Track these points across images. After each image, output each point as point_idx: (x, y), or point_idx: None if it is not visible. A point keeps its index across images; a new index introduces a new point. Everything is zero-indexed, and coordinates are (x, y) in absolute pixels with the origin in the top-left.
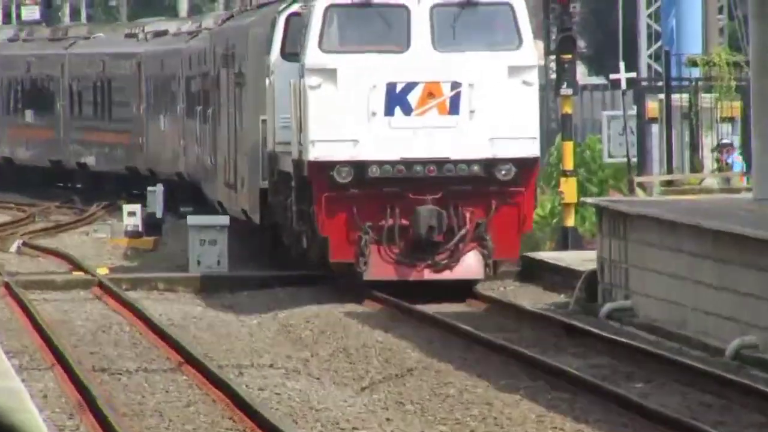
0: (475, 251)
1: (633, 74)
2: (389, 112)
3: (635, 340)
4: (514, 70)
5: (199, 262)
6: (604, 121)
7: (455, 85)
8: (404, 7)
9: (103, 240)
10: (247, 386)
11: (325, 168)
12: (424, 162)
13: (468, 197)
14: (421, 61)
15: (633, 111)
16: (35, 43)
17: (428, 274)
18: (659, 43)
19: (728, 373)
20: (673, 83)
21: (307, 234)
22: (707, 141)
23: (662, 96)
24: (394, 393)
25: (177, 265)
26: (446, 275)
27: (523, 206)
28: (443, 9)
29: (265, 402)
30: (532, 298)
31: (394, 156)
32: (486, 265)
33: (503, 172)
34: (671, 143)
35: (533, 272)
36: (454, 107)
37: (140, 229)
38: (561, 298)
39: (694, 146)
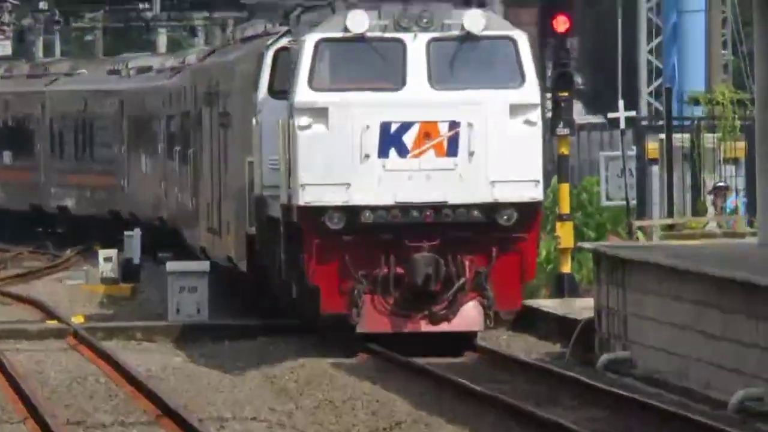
0: (475, 302)
1: (633, 113)
2: (384, 153)
3: (634, 392)
4: (516, 109)
5: (178, 310)
6: (602, 162)
7: (453, 124)
8: (400, 41)
9: (79, 287)
10: None
11: (315, 213)
12: (421, 207)
13: (467, 244)
14: (417, 99)
15: (632, 151)
16: (14, 79)
17: (425, 326)
18: (660, 80)
19: (732, 427)
20: (675, 122)
21: (297, 283)
22: (710, 183)
23: (663, 136)
24: None
25: (155, 314)
26: (444, 327)
27: (526, 254)
28: (441, 43)
29: None
30: (526, 347)
31: (388, 200)
32: (486, 317)
33: (505, 218)
34: (672, 185)
35: (528, 321)
36: (452, 148)
37: (117, 275)
38: (557, 348)
39: (697, 188)
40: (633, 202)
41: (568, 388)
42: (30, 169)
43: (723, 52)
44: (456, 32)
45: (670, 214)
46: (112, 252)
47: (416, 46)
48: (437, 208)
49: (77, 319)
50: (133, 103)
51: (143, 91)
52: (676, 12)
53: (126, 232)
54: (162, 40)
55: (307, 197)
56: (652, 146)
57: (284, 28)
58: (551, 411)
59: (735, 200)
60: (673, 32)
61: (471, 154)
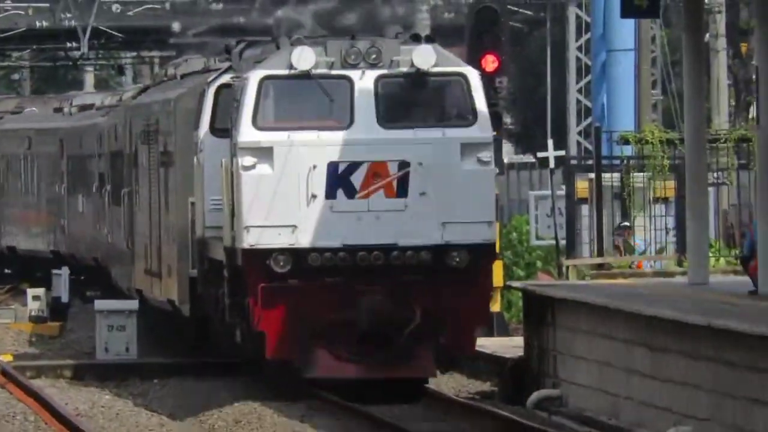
0: (427, 347)
1: (562, 152)
2: (331, 194)
3: (564, 430)
4: (467, 148)
5: (106, 349)
6: (531, 202)
7: (403, 164)
8: (347, 78)
9: (7, 325)
10: None
11: (260, 256)
12: (369, 249)
13: (418, 287)
14: (365, 138)
15: (562, 191)
16: None
17: (375, 373)
18: (589, 120)
19: None
20: (604, 162)
21: (242, 328)
22: (639, 222)
23: (593, 175)
24: None
25: (84, 352)
26: (394, 374)
27: (479, 297)
28: (390, 81)
29: None
30: (455, 386)
31: (336, 242)
32: (439, 362)
33: (456, 260)
34: (602, 224)
35: (457, 359)
36: (402, 189)
37: (45, 314)
38: (486, 386)
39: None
40: (562, 242)
41: (499, 427)
42: None
43: (652, 91)
44: (405, 69)
45: (600, 253)
46: (40, 291)
47: (364, 83)
48: (387, 250)
49: (6, 357)
50: (71, 142)
51: (81, 130)
52: (605, 51)
53: (54, 271)
54: (89, 78)
55: (251, 239)
56: (582, 185)
57: (226, 64)
58: None
59: (637, 243)
60: (602, 71)
61: (421, 194)
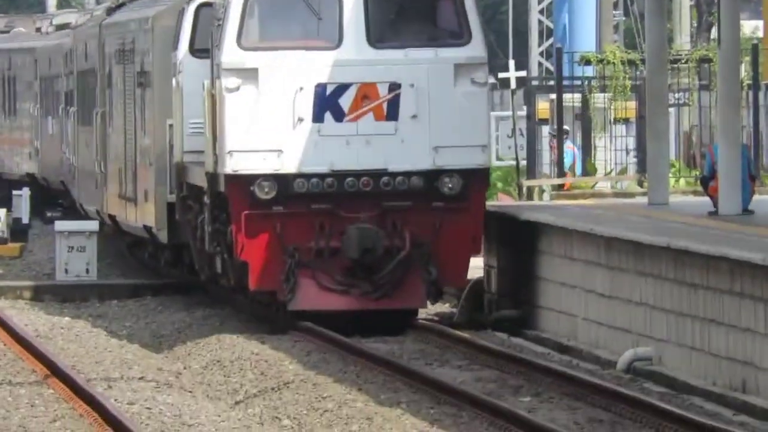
0: (417, 276)
1: (523, 73)
2: (318, 117)
3: (523, 352)
4: (461, 69)
5: (66, 270)
6: (492, 122)
7: (394, 86)
8: None
9: None
10: (116, 400)
11: (244, 182)
12: (358, 174)
13: (408, 215)
14: (354, 58)
15: (523, 112)
16: None
17: (362, 303)
18: (551, 41)
19: (620, 387)
20: (566, 82)
21: (223, 257)
22: (601, 143)
23: (554, 96)
24: (270, 407)
25: (43, 273)
26: (383, 304)
27: (472, 225)
28: None
29: (134, 417)
30: None
31: (323, 168)
32: (429, 293)
33: (449, 186)
34: (563, 145)
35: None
36: (392, 112)
37: (6, 235)
38: (446, 307)
39: (587, 149)
40: (523, 162)
41: (458, 348)
42: None
43: (615, 12)
44: None
45: (561, 174)
46: (1, 212)
47: (353, 1)
48: (376, 175)
49: None
50: (43, 62)
51: (51, 49)
52: None
53: (14, 192)
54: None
55: (234, 165)
56: (543, 106)
57: None
58: (439, 371)
59: (571, 145)
60: None
61: (413, 117)
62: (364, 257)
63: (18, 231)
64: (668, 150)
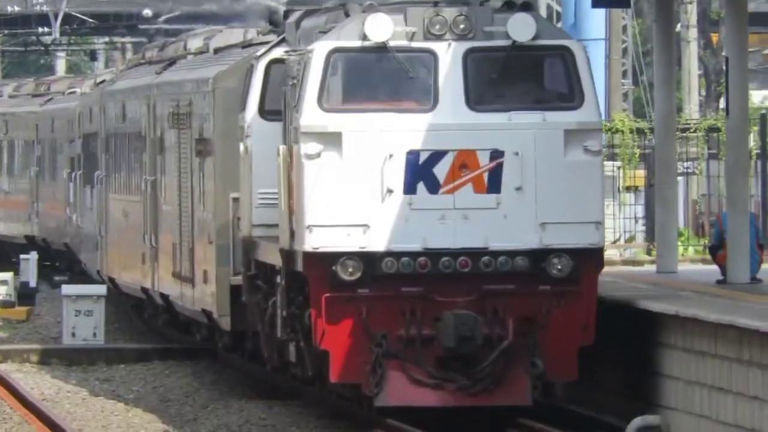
0: (521, 369)
1: None
2: (410, 189)
3: None
4: (572, 135)
5: (73, 334)
6: None
7: (496, 154)
8: (430, 52)
9: None
10: None
11: (325, 261)
12: (455, 253)
13: (511, 299)
14: (451, 122)
15: None
16: None
17: (459, 399)
18: None
19: None
20: None
21: (298, 345)
22: (609, 210)
23: None
24: None
25: (51, 337)
26: (483, 401)
27: (583, 311)
28: (481, 55)
29: None
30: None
31: (415, 246)
32: (535, 388)
33: (557, 267)
34: None
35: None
36: (494, 183)
37: (13, 298)
38: None
39: None
40: None
41: None
42: None
43: (623, 81)
44: (499, 41)
45: None
46: (8, 275)
47: (450, 58)
48: (475, 255)
49: None
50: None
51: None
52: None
53: (22, 256)
54: (61, 64)
55: (314, 241)
56: None
57: (272, 36)
58: None
59: None
60: None
61: (517, 189)
62: (461, 347)
63: (25, 295)
64: (677, 218)
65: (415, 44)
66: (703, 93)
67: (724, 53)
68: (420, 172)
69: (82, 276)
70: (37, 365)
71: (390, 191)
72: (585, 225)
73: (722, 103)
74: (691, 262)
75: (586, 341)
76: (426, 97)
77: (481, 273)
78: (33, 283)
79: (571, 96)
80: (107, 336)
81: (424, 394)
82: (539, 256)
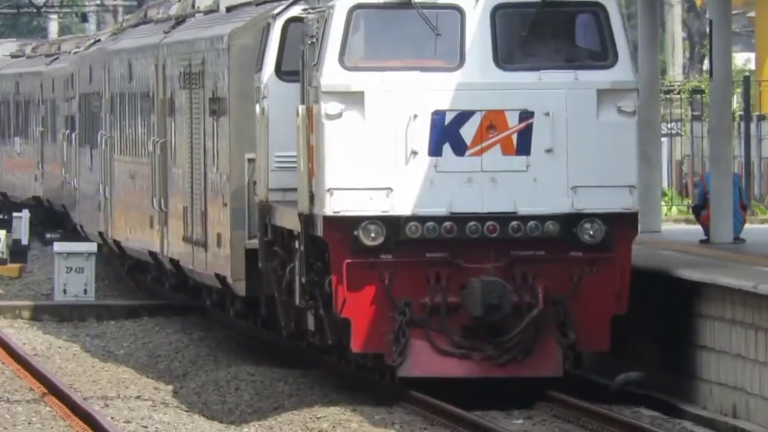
0: (551, 339)
1: None
2: (435, 151)
3: None
4: (606, 95)
5: (65, 291)
6: None
7: (525, 114)
8: (457, 8)
9: None
10: (112, 418)
11: (347, 226)
12: (482, 218)
13: (542, 266)
14: (479, 82)
15: None
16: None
17: (487, 370)
18: None
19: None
20: None
21: (317, 313)
22: None
23: None
24: (265, 426)
25: (42, 294)
26: (511, 371)
27: (616, 278)
28: (510, 11)
29: None
30: None
31: (441, 210)
32: (566, 358)
33: (590, 233)
34: None
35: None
36: (523, 145)
37: (5, 255)
38: None
39: None
40: None
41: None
42: None
43: None
44: None
45: None
46: (1, 233)
47: (478, 14)
48: (503, 219)
49: None
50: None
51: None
52: None
53: (14, 214)
54: (53, 26)
55: (335, 205)
56: None
57: None
58: None
59: None
60: None
61: (548, 151)
62: (488, 315)
63: (17, 252)
64: (661, 179)
65: (441, 0)
66: (687, 55)
67: (708, 15)
68: (446, 133)
69: (74, 234)
70: (28, 321)
71: (414, 153)
72: (618, 189)
73: (706, 66)
74: (675, 222)
75: (619, 310)
76: (452, 55)
77: (510, 238)
78: (25, 241)
79: (604, 54)
80: (97, 293)
81: (450, 364)
82: (571, 221)
